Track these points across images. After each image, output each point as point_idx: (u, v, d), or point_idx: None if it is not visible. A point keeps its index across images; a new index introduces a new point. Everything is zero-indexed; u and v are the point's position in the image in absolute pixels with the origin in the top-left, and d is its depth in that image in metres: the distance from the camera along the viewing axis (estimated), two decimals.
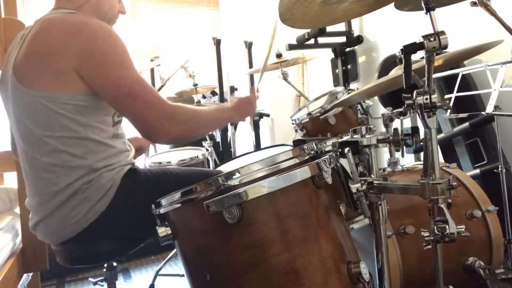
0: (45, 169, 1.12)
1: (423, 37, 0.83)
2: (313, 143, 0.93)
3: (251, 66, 3.48)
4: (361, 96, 1.60)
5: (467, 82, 2.04)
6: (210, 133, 2.41)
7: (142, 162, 2.11)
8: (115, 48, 1.10)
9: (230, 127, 2.65)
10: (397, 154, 1.13)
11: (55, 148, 1.09)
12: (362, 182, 0.98)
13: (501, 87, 1.42)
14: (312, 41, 2.91)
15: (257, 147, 3.44)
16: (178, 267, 2.54)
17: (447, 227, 0.82)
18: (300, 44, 2.96)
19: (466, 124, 2.02)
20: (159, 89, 3.20)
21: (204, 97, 3.52)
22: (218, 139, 3.43)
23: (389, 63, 2.43)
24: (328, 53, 3.17)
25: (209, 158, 2.27)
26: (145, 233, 1.18)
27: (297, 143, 1.31)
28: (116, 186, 1.13)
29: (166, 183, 1.19)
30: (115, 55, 1.09)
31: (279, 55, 2.39)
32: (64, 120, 1.08)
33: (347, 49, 3.10)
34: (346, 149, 0.99)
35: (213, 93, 3.53)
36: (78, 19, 1.13)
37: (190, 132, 1.16)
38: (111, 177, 1.14)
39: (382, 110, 2.09)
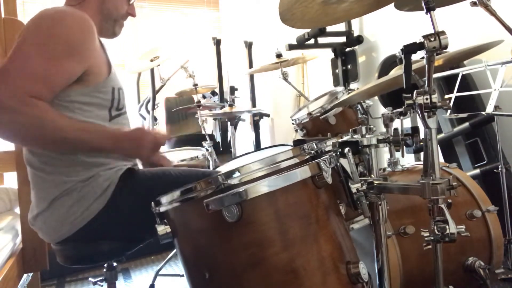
0: (37, 166, 1.13)
1: (423, 37, 0.83)
2: (313, 143, 0.93)
3: (251, 66, 3.48)
4: (361, 96, 1.60)
5: (467, 82, 2.04)
6: None
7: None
8: (50, 30, 1.02)
9: (230, 127, 2.65)
10: (397, 154, 1.13)
11: None
12: (362, 182, 0.98)
13: (501, 87, 1.42)
14: (312, 41, 2.91)
15: (257, 147, 3.44)
16: (178, 267, 2.54)
17: (447, 227, 0.82)
18: (300, 44, 2.96)
19: (466, 124, 2.02)
20: (159, 89, 3.21)
21: (204, 97, 3.52)
22: (218, 139, 3.44)
23: (389, 63, 2.44)
24: (328, 53, 3.18)
25: (209, 158, 2.27)
26: (143, 233, 1.18)
27: (297, 143, 1.31)
28: (113, 186, 1.13)
29: (164, 184, 1.18)
30: (39, 35, 1.01)
31: (279, 55, 2.39)
32: None
33: (347, 49, 3.10)
34: (346, 149, 0.99)
35: (213, 93, 3.53)
36: (52, 8, 1.09)
37: (24, 139, 0.98)
38: (109, 176, 1.14)
39: (382, 110, 2.09)
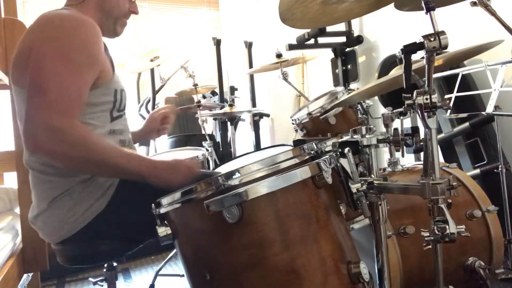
0: (37, 167, 1.13)
1: (423, 37, 0.83)
2: (313, 143, 0.93)
3: (251, 66, 3.48)
4: (361, 96, 1.60)
5: (467, 82, 2.04)
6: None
7: None
8: (69, 42, 1.02)
9: (230, 127, 2.65)
10: (397, 154, 1.13)
11: None
12: (362, 182, 0.97)
13: (501, 87, 1.42)
14: (312, 41, 2.91)
15: (257, 147, 3.44)
16: (178, 267, 2.54)
17: (447, 227, 0.82)
18: (300, 44, 2.96)
19: (466, 124, 2.02)
20: (159, 89, 3.21)
21: (204, 97, 3.52)
22: (218, 139, 3.44)
23: (389, 63, 2.44)
24: (328, 53, 3.17)
25: (209, 158, 2.27)
26: (144, 234, 1.18)
27: (297, 143, 1.31)
28: (114, 186, 1.14)
29: None
30: (61, 49, 1.01)
31: (279, 55, 2.39)
32: None
33: (347, 49, 3.10)
34: (346, 149, 0.98)
35: (213, 93, 3.53)
36: (59, 13, 1.10)
37: (69, 160, 0.99)
38: None
39: (382, 110, 2.09)
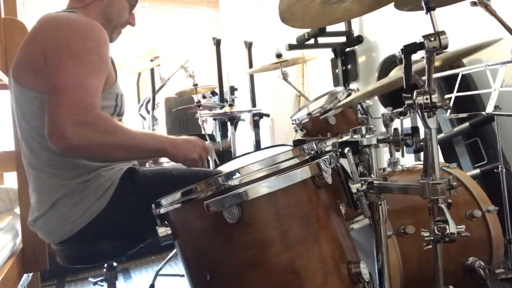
0: (40, 168, 1.13)
1: (423, 37, 0.83)
2: (313, 143, 0.93)
3: (251, 66, 3.48)
4: (363, 97, 1.59)
5: (467, 82, 2.04)
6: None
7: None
8: (82, 45, 1.04)
9: (230, 127, 2.65)
10: (397, 154, 1.13)
11: (50, 148, 1.09)
12: (362, 182, 0.97)
13: (501, 87, 1.42)
14: (312, 41, 2.91)
15: (257, 147, 3.44)
16: (178, 267, 2.54)
17: (447, 227, 0.82)
18: (300, 44, 2.96)
19: (466, 124, 2.02)
20: (159, 89, 3.21)
21: (204, 97, 3.52)
22: (218, 139, 3.43)
23: (389, 63, 2.43)
24: (328, 53, 3.17)
25: (209, 158, 2.26)
26: (144, 233, 1.18)
27: (297, 143, 1.31)
28: (115, 186, 1.14)
29: (165, 183, 1.19)
30: (75, 51, 1.03)
31: (279, 55, 2.39)
32: None
33: (347, 49, 3.10)
34: (346, 149, 0.98)
35: (213, 93, 3.53)
36: (68, 17, 1.11)
37: (100, 149, 0.99)
38: (110, 176, 1.14)
39: (382, 110, 2.09)
